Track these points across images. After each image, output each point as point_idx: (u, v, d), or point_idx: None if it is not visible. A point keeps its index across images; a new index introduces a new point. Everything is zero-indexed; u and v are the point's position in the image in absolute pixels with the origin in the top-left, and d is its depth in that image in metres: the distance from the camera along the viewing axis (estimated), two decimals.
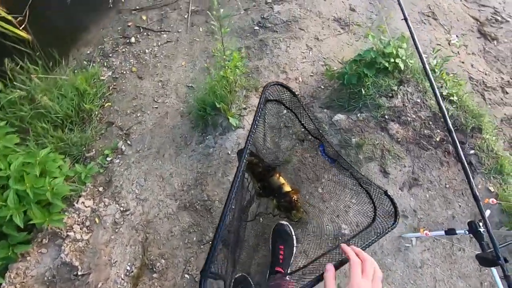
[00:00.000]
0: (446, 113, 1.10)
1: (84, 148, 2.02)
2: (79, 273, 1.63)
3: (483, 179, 1.52)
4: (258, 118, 0.87)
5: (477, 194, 1.03)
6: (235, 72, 1.85)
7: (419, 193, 1.46)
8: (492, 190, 1.46)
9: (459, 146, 1.06)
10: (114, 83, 2.33)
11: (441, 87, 1.72)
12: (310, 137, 1.26)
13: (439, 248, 1.39)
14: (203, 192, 1.72)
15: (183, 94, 2.19)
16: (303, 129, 1.24)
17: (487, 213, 1.34)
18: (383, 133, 1.60)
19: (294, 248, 1.42)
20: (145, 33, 2.54)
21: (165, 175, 1.86)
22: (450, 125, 1.07)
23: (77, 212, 1.80)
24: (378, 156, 1.53)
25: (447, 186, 1.45)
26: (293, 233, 1.46)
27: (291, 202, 1.36)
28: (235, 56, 1.71)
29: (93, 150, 2.05)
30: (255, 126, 0.87)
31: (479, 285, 1.36)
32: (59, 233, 1.73)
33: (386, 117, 1.53)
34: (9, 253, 1.60)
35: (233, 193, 0.76)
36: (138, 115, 2.15)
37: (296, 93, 1.05)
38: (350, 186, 1.22)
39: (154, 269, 1.58)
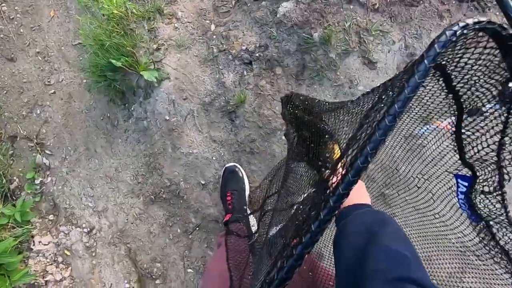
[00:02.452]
0: None
1: (4, 181, 1.57)
2: None
3: (496, 13, 1.09)
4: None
5: None
6: (116, 1, 1.20)
7: None
8: None
9: None
10: None
11: None
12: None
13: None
14: (162, 177, 1.36)
15: (75, 58, 1.56)
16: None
17: None
18: (351, 6, 1.08)
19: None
20: None
21: (111, 173, 1.47)
22: None
23: (40, 254, 1.51)
24: (355, 43, 1.07)
25: None
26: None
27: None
28: None
29: (15, 178, 1.60)
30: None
31: None
32: (36, 283, 1.48)
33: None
34: None
35: None
36: (38, 112, 1.59)
37: None
38: None
39: (153, 276, 1.38)
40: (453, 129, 0.54)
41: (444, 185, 0.65)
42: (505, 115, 0.44)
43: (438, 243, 0.70)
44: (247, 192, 1.21)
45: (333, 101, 1.12)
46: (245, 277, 0.87)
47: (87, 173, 1.51)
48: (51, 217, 1.55)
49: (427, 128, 1.08)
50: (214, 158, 1.25)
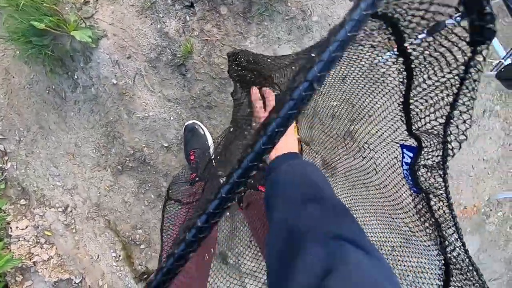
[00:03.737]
0: None
1: None
2: (76, 281, 1.51)
3: None
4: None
5: None
6: None
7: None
8: None
9: None
10: None
11: None
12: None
13: None
14: (124, 146, 1.29)
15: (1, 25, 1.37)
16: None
17: None
18: None
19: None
20: None
21: (71, 149, 1.39)
22: None
23: (21, 238, 1.50)
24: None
25: None
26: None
27: None
28: None
29: None
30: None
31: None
32: (24, 266, 1.49)
33: None
34: None
35: None
36: None
37: None
38: None
39: (137, 242, 1.40)
40: (401, 99, 0.48)
41: (389, 155, 0.61)
42: (458, 86, 0.37)
43: (378, 215, 0.69)
44: (211, 148, 1.16)
45: (284, 48, 1.02)
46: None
47: (47, 152, 1.43)
48: (22, 201, 1.51)
49: (390, 55, 1.01)
50: (172, 118, 1.18)
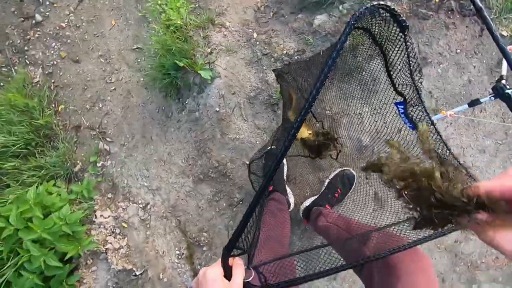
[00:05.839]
0: None
1: (68, 164, 1.84)
2: (137, 273, 1.71)
3: (493, 25, 1.34)
4: (335, 55, 0.53)
5: (498, 36, 0.86)
6: (180, 13, 1.47)
7: (430, 71, 1.33)
8: (506, 34, 1.30)
9: None
10: (52, 80, 1.95)
11: None
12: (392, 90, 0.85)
13: (461, 118, 1.35)
14: (210, 160, 1.61)
15: (133, 61, 1.84)
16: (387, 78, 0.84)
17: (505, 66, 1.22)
18: None
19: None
20: (47, 2, 1.97)
21: (164, 157, 1.73)
22: None
23: (101, 226, 1.77)
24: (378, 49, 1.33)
25: (458, 51, 1.30)
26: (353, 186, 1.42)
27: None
28: None
29: (78, 162, 1.87)
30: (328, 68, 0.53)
31: (504, 135, 1.37)
32: (98, 250, 1.73)
33: None
34: (66, 287, 1.65)
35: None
36: (100, 106, 1.87)
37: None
38: None
39: (201, 244, 1.63)
40: (385, 72, 0.83)
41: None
42: (405, 52, 0.71)
43: None
44: (285, 171, 1.46)
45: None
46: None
47: (143, 157, 1.77)
48: (109, 195, 1.81)
49: (436, 117, 1.35)
50: (257, 142, 1.51)
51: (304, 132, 1.16)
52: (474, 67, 1.33)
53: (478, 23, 1.34)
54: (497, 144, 1.38)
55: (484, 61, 1.32)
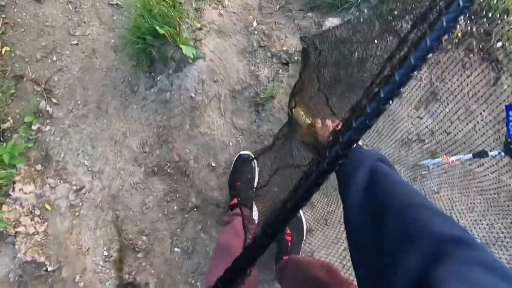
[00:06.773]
0: None
1: None
2: (49, 268, 1.38)
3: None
4: None
5: None
6: None
7: (438, 109, 1.19)
8: None
9: None
10: (3, 15, 1.60)
11: None
12: None
13: (458, 167, 1.22)
14: (171, 152, 1.35)
15: (107, 17, 1.55)
16: None
17: None
18: (391, 37, 1.19)
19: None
20: None
21: (117, 137, 1.44)
22: None
23: (17, 202, 1.43)
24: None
25: (470, 94, 1.18)
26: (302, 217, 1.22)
27: None
28: None
29: (9, 119, 1.52)
30: None
31: (496, 196, 1.27)
32: (5, 231, 1.38)
33: (395, 12, 1.10)
34: None
35: None
36: (54, 59, 1.54)
37: None
38: None
39: (137, 249, 1.35)
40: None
41: None
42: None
43: None
44: (255, 184, 1.24)
45: None
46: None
47: (91, 130, 1.47)
48: (38, 167, 1.48)
49: (434, 162, 1.20)
50: (231, 143, 1.28)
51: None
52: (482, 116, 1.21)
53: (494, 70, 1.23)
54: (487, 204, 1.27)
55: (493, 113, 1.22)
